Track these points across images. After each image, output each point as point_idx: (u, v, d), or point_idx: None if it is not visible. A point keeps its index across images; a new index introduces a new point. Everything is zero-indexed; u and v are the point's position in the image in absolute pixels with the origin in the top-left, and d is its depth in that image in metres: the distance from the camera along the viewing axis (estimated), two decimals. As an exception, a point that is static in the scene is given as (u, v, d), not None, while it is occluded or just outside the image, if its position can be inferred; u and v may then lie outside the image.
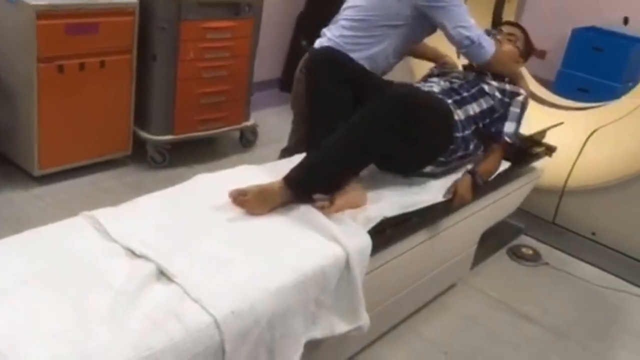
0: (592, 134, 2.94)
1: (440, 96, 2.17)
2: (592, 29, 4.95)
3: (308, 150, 2.01)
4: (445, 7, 2.21)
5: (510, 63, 2.41)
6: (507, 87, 2.34)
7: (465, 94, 2.23)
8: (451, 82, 2.30)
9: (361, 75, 2.11)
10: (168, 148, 3.25)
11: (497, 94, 2.29)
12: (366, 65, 2.32)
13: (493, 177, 2.27)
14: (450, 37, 2.27)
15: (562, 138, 2.75)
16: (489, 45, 2.27)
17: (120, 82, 2.99)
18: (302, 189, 1.77)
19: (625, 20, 4.86)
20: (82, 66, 2.79)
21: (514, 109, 2.30)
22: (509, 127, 2.27)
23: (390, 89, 1.93)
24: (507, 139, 2.25)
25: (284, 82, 4.48)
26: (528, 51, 2.55)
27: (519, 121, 2.29)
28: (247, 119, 3.62)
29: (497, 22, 3.46)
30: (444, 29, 2.27)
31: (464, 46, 2.25)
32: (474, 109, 2.21)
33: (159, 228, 1.56)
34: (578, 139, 2.95)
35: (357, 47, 2.33)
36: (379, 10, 2.31)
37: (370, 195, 1.92)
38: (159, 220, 1.60)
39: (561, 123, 2.70)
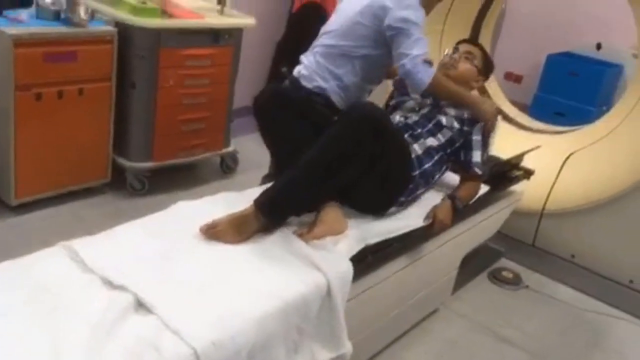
0: (568, 157, 2.99)
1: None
2: (567, 55, 5.06)
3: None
4: (400, 32, 2.19)
5: (455, 87, 2.29)
6: (466, 114, 2.28)
7: (419, 130, 2.21)
8: (406, 118, 2.28)
9: (312, 113, 2.12)
10: (147, 175, 3.22)
11: (456, 124, 2.25)
12: (341, 94, 2.31)
13: (472, 201, 2.28)
14: (394, 62, 2.30)
15: (540, 161, 2.79)
16: (425, 74, 2.19)
17: (99, 109, 2.98)
18: (273, 213, 1.76)
19: (598, 46, 4.98)
20: (60, 94, 2.77)
21: (476, 137, 2.27)
22: (475, 156, 2.26)
23: (355, 108, 1.90)
24: (476, 170, 2.25)
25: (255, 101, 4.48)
26: (487, 69, 2.47)
27: (484, 148, 2.28)
28: (227, 145, 3.62)
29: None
30: (392, 51, 2.27)
31: (400, 73, 2.25)
32: (431, 142, 2.19)
33: (138, 257, 1.54)
34: (555, 163, 2.99)
35: (330, 76, 2.32)
36: (348, 36, 2.31)
37: (352, 221, 1.92)
38: (138, 249, 1.58)
39: (538, 147, 2.74)
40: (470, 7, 3.33)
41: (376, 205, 2.03)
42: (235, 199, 1.90)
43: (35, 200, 2.88)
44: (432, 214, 2.07)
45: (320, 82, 2.32)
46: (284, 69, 4.52)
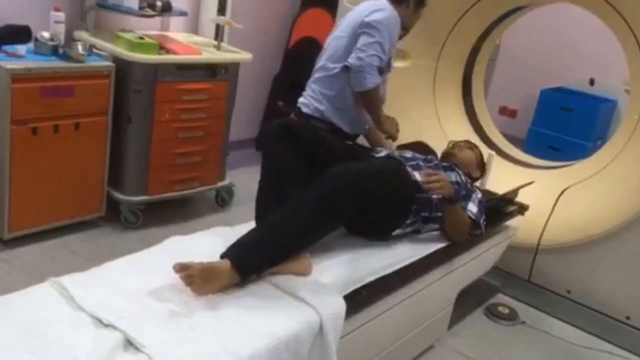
0: (562, 192, 2.99)
1: (390, 160, 2.19)
2: (560, 90, 5.11)
3: (257, 218, 1.99)
4: (365, 33, 2.33)
5: (380, 108, 2.50)
6: (469, 180, 2.41)
7: (432, 164, 2.28)
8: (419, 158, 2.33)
9: (314, 146, 2.07)
10: (142, 209, 3.22)
11: (463, 177, 2.34)
12: (339, 115, 2.39)
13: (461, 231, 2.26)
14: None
15: (534, 196, 2.80)
16: (371, 78, 2.32)
17: (95, 143, 2.99)
18: (248, 272, 1.70)
19: (592, 82, 5.04)
20: (56, 128, 2.78)
21: (475, 195, 2.33)
22: (472, 207, 2.27)
23: (331, 172, 1.86)
24: (470, 215, 2.25)
25: (261, 132, 4.50)
26: (483, 165, 2.71)
27: (480, 209, 2.29)
28: (222, 178, 3.62)
29: (467, 85, 3.55)
30: None
31: (350, 65, 2.34)
32: (450, 177, 2.22)
33: (128, 294, 1.53)
34: (549, 198, 3.00)
35: (323, 98, 2.45)
36: (334, 56, 2.44)
37: (348, 254, 1.91)
38: (128, 286, 1.57)
39: (532, 182, 2.75)
40: (464, 44, 3.37)
41: (380, 232, 2.05)
42: (228, 234, 1.90)
43: (28, 234, 2.87)
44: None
45: (317, 105, 2.45)
46: (281, 103, 4.60)
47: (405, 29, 2.54)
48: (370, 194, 1.89)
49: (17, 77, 2.59)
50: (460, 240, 2.24)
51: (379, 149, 2.37)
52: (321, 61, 2.52)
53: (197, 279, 1.58)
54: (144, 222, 3.21)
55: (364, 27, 2.33)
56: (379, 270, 1.89)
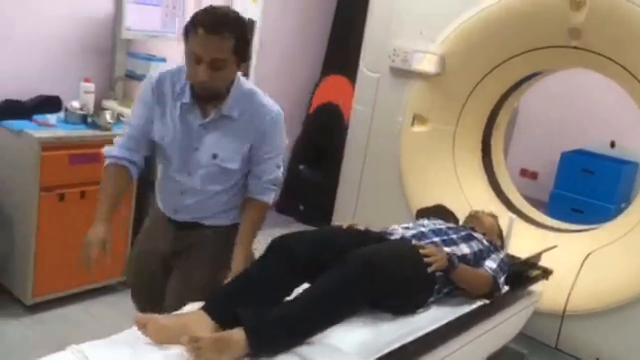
0: (587, 256, 2.94)
1: (420, 238, 2.15)
2: (581, 152, 5.10)
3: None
4: None
5: None
6: (492, 241, 2.42)
7: (453, 236, 2.25)
8: (439, 224, 2.33)
9: (318, 255, 1.88)
10: (164, 273, 3.23)
11: (485, 242, 2.34)
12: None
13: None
14: None
15: (558, 261, 2.75)
16: None
17: (120, 209, 3.03)
18: (264, 347, 1.59)
19: (612, 144, 5.03)
20: (82, 194, 2.85)
21: (495, 256, 2.32)
22: (490, 263, 2.26)
23: (353, 256, 1.81)
24: (488, 270, 2.23)
25: (282, 206, 4.55)
26: (502, 234, 2.70)
27: (501, 266, 2.27)
28: (244, 242, 3.63)
29: (486, 148, 3.57)
30: None
31: None
32: (463, 250, 2.22)
33: (149, 362, 1.52)
34: (574, 262, 2.94)
35: None
36: None
37: (365, 323, 1.88)
38: (150, 354, 1.56)
39: (555, 246, 2.72)
40: (482, 109, 3.42)
41: (403, 311, 2.00)
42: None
43: (51, 300, 2.89)
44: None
45: None
46: (302, 167, 4.66)
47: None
48: (391, 276, 1.86)
49: (47, 145, 2.68)
50: (479, 293, 2.21)
51: (393, 229, 2.28)
52: None
53: (206, 352, 1.49)
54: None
55: None
56: (400, 339, 1.85)
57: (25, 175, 2.74)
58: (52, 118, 2.89)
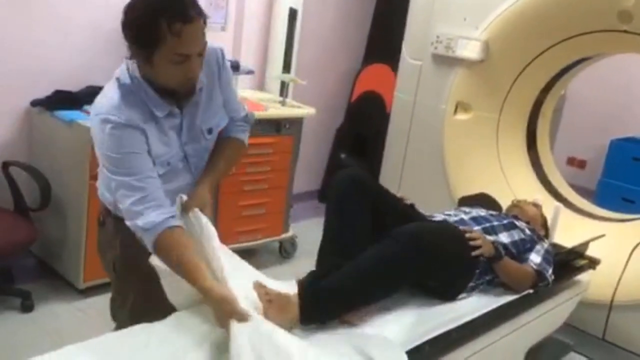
0: (636, 246, 2.87)
1: (460, 226, 2.15)
2: (631, 140, 4.96)
3: (318, 266, 1.95)
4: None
5: None
6: (534, 229, 2.39)
7: (495, 223, 2.25)
8: (480, 212, 2.33)
9: (382, 201, 2.04)
10: (209, 260, 3.29)
11: (527, 231, 2.32)
12: None
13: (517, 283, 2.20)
14: None
15: (606, 250, 2.69)
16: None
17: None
18: (315, 317, 1.71)
19: (664, 131, 4.88)
20: (130, 182, 2.92)
21: (539, 247, 2.30)
22: (534, 257, 2.24)
23: (402, 231, 1.86)
24: (533, 265, 2.21)
25: (324, 194, 4.57)
26: (546, 224, 2.67)
27: (546, 258, 2.25)
28: (286, 230, 3.68)
29: (531, 136, 3.51)
30: None
31: None
32: (504, 237, 2.21)
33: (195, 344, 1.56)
34: (622, 252, 2.88)
35: None
36: None
37: (407, 310, 1.89)
38: (197, 330, 1.59)
39: (602, 235, 2.66)
40: (527, 96, 3.35)
41: (444, 294, 2.02)
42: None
43: (101, 284, 2.99)
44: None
45: None
46: (343, 156, 4.67)
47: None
48: (437, 251, 1.88)
49: (97, 134, 2.76)
50: (521, 290, 2.19)
51: (436, 215, 2.31)
52: None
53: (274, 305, 1.60)
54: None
55: None
56: (443, 325, 1.86)
57: (76, 164, 2.84)
58: (101, 108, 2.96)
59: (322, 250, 2.03)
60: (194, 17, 1.51)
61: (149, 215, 1.57)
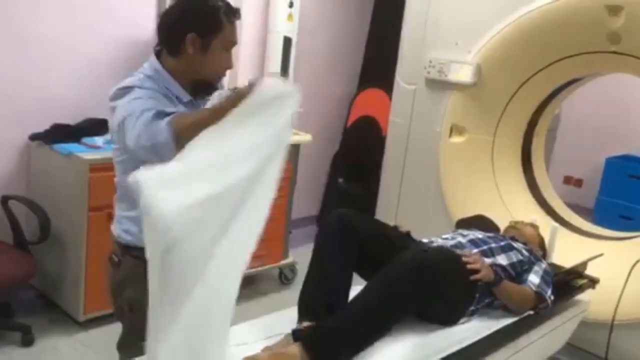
0: (635, 264, 2.87)
1: (458, 250, 2.14)
2: (627, 157, 4.99)
3: (300, 305, 1.92)
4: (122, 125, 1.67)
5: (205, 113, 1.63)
6: (532, 250, 2.39)
7: (493, 245, 2.25)
8: (478, 234, 2.33)
9: (373, 240, 2.03)
10: (209, 288, 3.29)
11: (525, 252, 2.32)
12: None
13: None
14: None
15: (605, 269, 2.69)
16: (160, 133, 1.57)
17: (165, 226, 3.12)
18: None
19: (658, 148, 4.91)
20: (129, 213, 2.94)
21: (537, 267, 2.30)
22: (533, 278, 2.24)
23: (402, 257, 1.89)
24: (532, 286, 2.21)
25: (323, 219, 4.58)
26: (544, 245, 2.67)
27: (544, 279, 2.25)
28: (286, 256, 3.68)
29: (526, 157, 3.53)
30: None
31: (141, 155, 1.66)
32: (502, 259, 2.21)
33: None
34: (621, 270, 2.87)
35: None
36: None
37: (406, 335, 1.89)
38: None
39: (601, 254, 2.67)
40: (520, 117, 3.38)
41: (445, 320, 2.02)
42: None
43: (101, 316, 2.98)
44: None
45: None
46: (341, 180, 4.69)
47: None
48: (437, 278, 1.88)
49: (95, 166, 2.79)
50: (521, 312, 2.19)
51: (431, 240, 2.30)
52: None
53: None
54: (210, 301, 3.27)
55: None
56: (443, 350, 1.85)
57: (74, 196, 2.85)
58: (99, 140, 2.99)
59: (304, 289, 1.98)
60: (239, 14, 1.78)
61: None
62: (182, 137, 1.49)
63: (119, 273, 1.93)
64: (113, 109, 1.72)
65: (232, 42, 1.79)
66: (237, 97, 1.45)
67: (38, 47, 3.04)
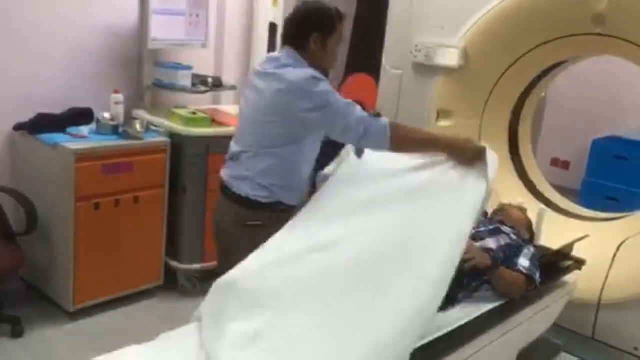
0: (621, 244, 2.91)
1: None
2: (613, 139, 5.01)
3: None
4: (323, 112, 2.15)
5: (420, 131, 2.21)
6: (519, 234, 2.41)
7: (482, 229, 2.27)
8: None
9: None
10: (198, 276, 3.30)
11: (513, 236, 2.34)
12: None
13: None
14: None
15: (591, 250, 2.72)
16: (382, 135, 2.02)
17: (153, 215, 3.12)
18: None
19: (645, 129, 4.94)
20: (117, 202, 2.93)
21: (527, 250, 2.33)
22: (523, 261, 2.26)
23: None
24: (522, 269, 2.23)
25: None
26: (531, 228, 2.67)
27: (533, 263, 2.27)
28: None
29: (513, 140, 3.54)
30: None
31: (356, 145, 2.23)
32: (491, 243, 2.23)
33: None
34: (607, 251, 2.90)
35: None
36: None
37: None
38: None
39: (587, 236, 2.69)
40: (507, 101, 3.39)
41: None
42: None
43: (91, 306, 2.98)
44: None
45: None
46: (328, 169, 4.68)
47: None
48: None
49: (81, 156, 2.77)
50: (515, 297, 2.21)
51: None
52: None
53: None
54: (200, 289, 3.27)
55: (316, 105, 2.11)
56: (427, 335, 1.86)
57: (61, 186, 2.83)
58: (84, 130, 2.97)
59: None
60: (345, 17, 2.18)
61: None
62: (398, 144, 2.01)
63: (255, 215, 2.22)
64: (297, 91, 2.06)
65: (342, 39, 2.20)
66: (455, 141, 2.01)
67: (21, 36, 3.00)
